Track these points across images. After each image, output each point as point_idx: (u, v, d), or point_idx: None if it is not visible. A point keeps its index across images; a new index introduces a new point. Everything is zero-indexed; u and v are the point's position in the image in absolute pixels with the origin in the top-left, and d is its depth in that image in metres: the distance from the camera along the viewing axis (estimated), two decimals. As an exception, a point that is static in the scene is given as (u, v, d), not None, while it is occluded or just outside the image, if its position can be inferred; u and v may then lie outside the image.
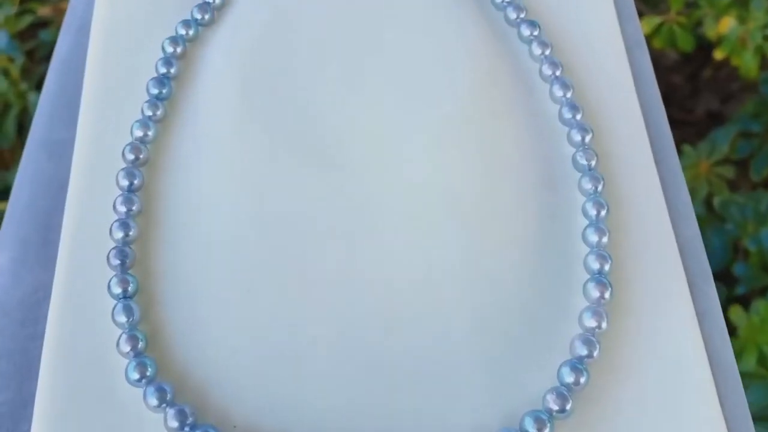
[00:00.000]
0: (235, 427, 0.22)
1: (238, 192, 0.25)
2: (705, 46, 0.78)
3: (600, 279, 0.23)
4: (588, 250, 0.24)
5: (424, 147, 0.25)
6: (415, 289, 0.23)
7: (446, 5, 0.28)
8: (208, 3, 0.29)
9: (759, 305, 0.57)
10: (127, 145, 0.26)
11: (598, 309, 0.23)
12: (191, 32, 0.28)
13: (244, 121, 0.26)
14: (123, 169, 0.25)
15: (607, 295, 0.23)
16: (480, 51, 0.27)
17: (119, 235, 0.24)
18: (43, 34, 0.81)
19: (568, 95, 0.27)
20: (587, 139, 0.26)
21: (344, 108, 0.26)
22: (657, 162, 0.27)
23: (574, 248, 0.25)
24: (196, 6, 0.29)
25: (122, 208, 0.25)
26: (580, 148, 0.26)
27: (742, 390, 0.23)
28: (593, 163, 0.25)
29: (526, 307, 0.24)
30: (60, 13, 0.82)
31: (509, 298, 0.24)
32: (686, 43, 0.72)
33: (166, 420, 0.21)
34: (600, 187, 0.25)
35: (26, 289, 0.25)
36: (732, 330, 0.59)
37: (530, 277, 0.24)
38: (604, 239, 0.24)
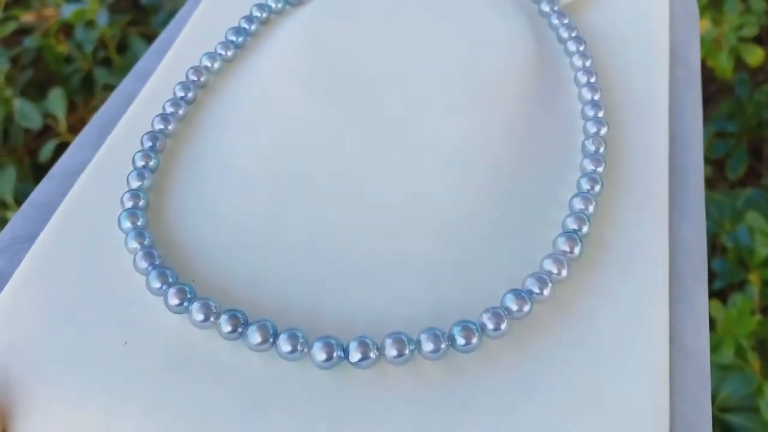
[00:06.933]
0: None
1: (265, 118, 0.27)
2: (683, 49, 0.78)
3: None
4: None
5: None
6: (403, 179, 0.25)
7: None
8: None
9: (737, 298, 0.57)
10: (178, 83, 0.29)
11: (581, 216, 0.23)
12: (264, 15, 0.32)
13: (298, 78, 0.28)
14: (169, 100, 0.29)
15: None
16: (523, 38, 0.29)
17: (148, 144, 0.27)
18: (27, 41, 0.81)
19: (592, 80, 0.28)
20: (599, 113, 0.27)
21: (385, 67, 0.28)
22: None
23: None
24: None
25: (159, 126, 0.28)
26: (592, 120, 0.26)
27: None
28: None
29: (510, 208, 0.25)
30: (43, 19, 0.84)
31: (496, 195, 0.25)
32: (663, 45, 0.73)
33: (167, 299, 0.23)
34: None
35: (74, 162, 0.28)
36: (710, 323, 0.58)
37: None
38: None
